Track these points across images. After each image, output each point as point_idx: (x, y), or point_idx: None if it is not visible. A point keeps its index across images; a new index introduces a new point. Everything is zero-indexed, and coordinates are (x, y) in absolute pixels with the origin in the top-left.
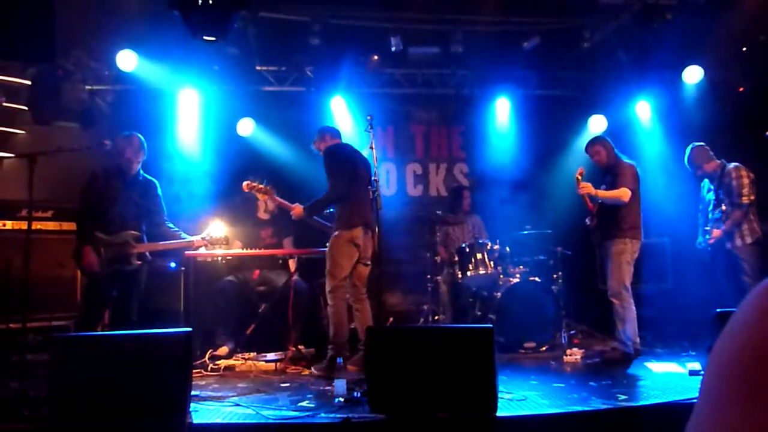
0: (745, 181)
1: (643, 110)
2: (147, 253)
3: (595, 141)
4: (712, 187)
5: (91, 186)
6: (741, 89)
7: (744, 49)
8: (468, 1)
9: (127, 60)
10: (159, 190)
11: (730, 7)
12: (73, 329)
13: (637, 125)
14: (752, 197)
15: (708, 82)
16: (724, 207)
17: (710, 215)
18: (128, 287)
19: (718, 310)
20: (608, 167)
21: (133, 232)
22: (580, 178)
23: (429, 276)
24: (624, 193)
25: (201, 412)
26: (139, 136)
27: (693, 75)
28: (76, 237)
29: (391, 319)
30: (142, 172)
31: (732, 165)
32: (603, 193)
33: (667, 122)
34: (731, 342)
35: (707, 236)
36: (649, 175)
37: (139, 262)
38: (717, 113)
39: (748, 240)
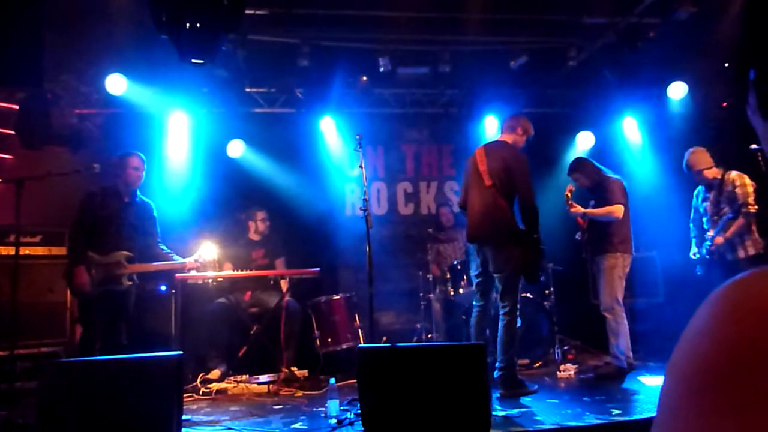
0: (750, 189)
1: (630, 126)
2: (135, 276)
3: (573, 169)
4: (708, 195)
5: (86, 205)
6: (725, 104)
7: (726, 64)
8: (455, 21)
9: (116, 84)
10: (155, 212)
11: (713, 23)
12: (65, 355)
13: (624, 141)
14: (757, 207)
15: (692, 98)
16: (714, 218)
17: (705, 225)
18: (117, 309)
19: None
20: (594, 186)
21: (125, 252)
22: (569, 195)
23: (421, 294)
24: (617, 209)
25: None
26: (140, 153)
27: (677, 91)
28: (69, 256)
29: (385, 338)
30: (139, 193)
31: (734, 173)
32: (594, 212)
33: (653, 137)
34: (691, 353)
35: (708, 243)
36: (637, 190)
37: (129, 283)
38: (702, 128)
39: (751, 251)
